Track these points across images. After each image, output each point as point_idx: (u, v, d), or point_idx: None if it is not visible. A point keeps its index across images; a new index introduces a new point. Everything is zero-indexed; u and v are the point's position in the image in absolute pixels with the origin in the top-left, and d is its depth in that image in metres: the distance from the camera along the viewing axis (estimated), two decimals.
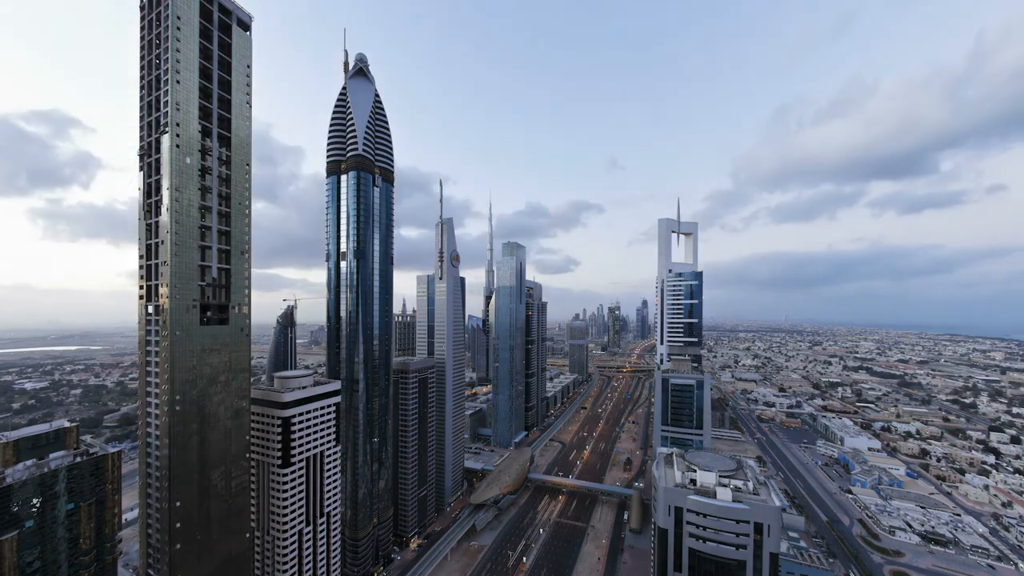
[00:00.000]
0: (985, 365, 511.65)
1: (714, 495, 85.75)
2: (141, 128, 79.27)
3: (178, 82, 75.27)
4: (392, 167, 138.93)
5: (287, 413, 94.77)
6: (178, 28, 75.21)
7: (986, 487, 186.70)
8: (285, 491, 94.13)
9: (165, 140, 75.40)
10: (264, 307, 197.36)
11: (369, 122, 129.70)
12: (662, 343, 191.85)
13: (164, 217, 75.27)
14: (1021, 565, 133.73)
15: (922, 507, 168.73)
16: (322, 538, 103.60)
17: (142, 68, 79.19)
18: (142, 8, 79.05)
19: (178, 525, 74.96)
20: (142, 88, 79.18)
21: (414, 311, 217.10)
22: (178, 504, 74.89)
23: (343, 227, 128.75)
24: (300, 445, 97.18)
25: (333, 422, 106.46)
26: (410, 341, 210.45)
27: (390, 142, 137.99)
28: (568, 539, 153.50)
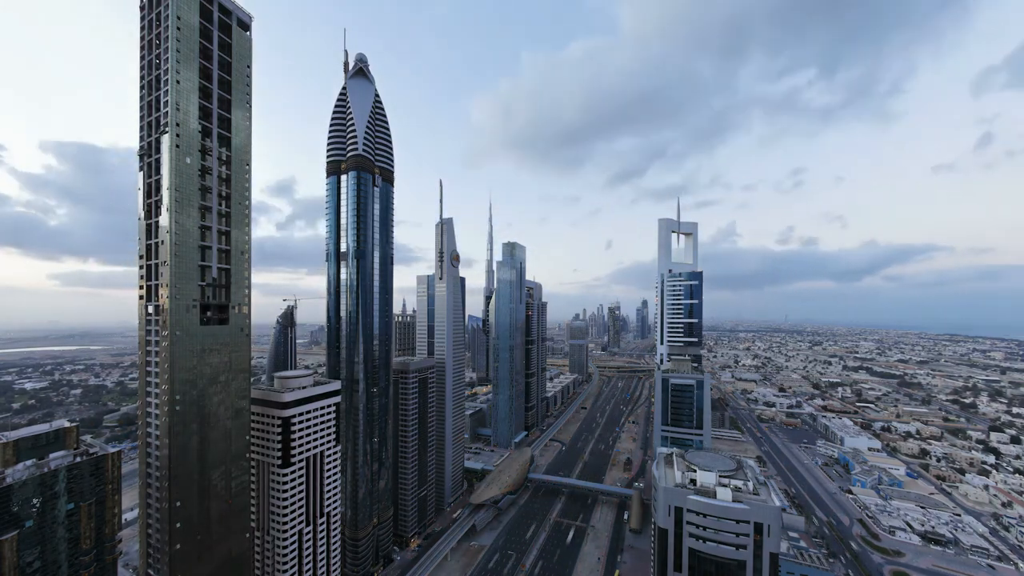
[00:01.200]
0: (985, 365, 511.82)
1: (714, 495, 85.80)
2: (141, 128, 79.27)
3: (178, 82, 75.25)
4: (392, 167, 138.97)
5: (287, 413, 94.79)
6: (178, 28, 75.17)
7: (986, 487, 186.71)
8: (285, 491, 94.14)
9: (165, 140, 75.40)
10: (264, 307, 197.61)
11: (369, 122, 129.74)
12: (662, 343, 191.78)
13: (164, 217, 75.26)
14: (1021, 565, 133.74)
15: (922, 507, 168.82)
16: (322, 538, 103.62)
17: (142, 68, 79.18)
18: (142, 8, 79.07)
19: (178, 525, 74.94)
20: (142, 88, 79.17)
21: (414, 311, 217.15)
22: (178, 504, 74.86)
23: (343, 227, 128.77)
24: (300, 445, 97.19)
25: (333, 422, 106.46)
26: (410, 341, 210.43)
27: (390, 142, 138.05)
28: (568, 539, 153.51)
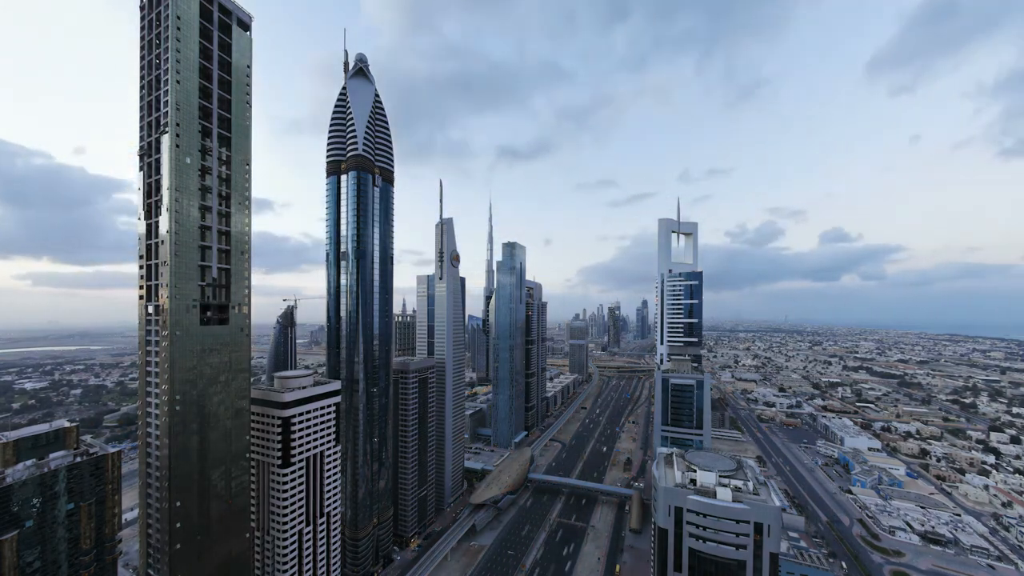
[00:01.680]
0: (985, 365, 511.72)
1: (714, 495, 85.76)
2: (141, 128, 79.32)
3: (178, 82, 75.27)
4: (392, 167, 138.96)
5: (287, 413, 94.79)
6: (178, 28, 75.21)
7: (986, 487, 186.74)
8: (285, 491, 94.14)
9: (165, 140, 75.42)
10: (264, 307, 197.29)
11: (369, 122, 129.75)
12: (662, 343, 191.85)
13: (164, 217, 75.27)
14: (1021, 565, 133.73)
15: (922, 507, 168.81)
16: (322, 538, 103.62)
17: (142, 68, 79.21)
18: (142, 8, 79.07)
19: (178, 525, 74.96)
20: (142, 88, 79.20)
21: (414, 311, 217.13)
22: (178, 504, 74.87)
23: (343, 227, 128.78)
24: (300, 445, 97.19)
25: (333, 422, 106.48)
26: (410, 341, 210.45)
27: (390, 142, 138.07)
28: (568, 539, 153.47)
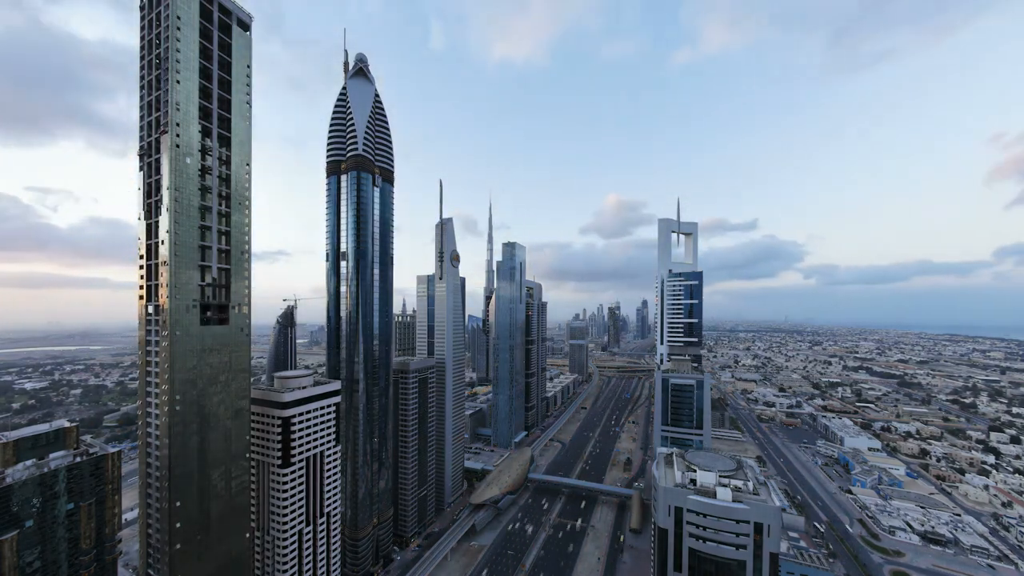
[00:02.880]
0: (985, 365, 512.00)
1: (714, 495, 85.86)
2: (141, 128, 79.30)
3: (178, 82, 75.26)
4: (392, 167, 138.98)
5: (287, 413, 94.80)
6: (178, 28, 75.20)
7: (986, 487, 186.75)
8: (285, 491, 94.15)
9: (165, 140, 75.40)
10: (264, 307, 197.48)
11: (369, 122, 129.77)
12: (662, 343, 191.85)
13: (164, 217, 75.25)
14: (1021, 565, 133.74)
15: (922, 507, 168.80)
16: (322, 538, 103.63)
17: (142, 68, 79.21)
18: (142, 8, 79.07)
19: (178, 525, 74.97)
20: (142, 88, 79.20)
21: (414, 311, 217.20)
22: (178, 504, 74.88)
23: (343, 227, 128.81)
24: (300, 445, 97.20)
25: (333, 422, 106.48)
26: (410, 341, 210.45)
27: (390, 142, 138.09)
28: (568, 539, 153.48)
